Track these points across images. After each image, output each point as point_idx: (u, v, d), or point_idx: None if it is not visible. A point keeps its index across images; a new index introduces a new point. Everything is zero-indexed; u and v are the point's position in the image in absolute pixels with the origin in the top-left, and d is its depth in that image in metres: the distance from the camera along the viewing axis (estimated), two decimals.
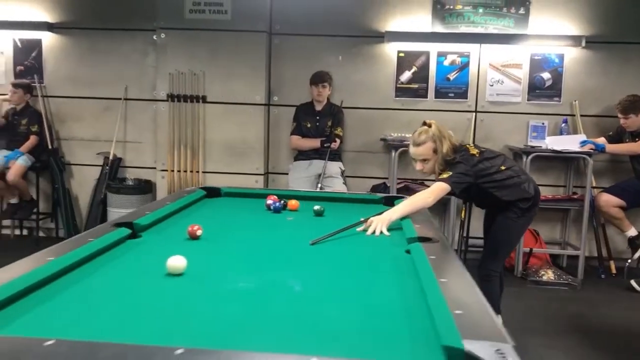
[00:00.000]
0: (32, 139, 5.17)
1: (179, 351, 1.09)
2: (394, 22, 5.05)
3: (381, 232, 2.41)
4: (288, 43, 5.17)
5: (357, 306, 1.51)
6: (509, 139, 5.09)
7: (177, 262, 1.71)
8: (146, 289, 1.62)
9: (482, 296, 1.50)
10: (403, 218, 2.59)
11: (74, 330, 1.25)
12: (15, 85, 5.18)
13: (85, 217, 5.40)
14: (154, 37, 5.10)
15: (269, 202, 2.87)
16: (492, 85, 5.07)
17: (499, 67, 5.05)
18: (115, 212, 4.88)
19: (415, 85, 5.12)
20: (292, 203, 2.91)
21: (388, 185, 4.96)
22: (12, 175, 4.97)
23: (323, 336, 1.29)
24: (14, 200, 5.24)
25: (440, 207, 5.16)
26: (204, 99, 5.06)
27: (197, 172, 5.12)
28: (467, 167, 2.91)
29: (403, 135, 4.93)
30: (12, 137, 5.20)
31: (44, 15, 5.32)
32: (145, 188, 5.19)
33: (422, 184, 5.15)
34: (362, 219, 2.49)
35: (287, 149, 5.15)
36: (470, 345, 1.15)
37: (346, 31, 5.09)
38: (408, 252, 2.04)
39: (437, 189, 2.84)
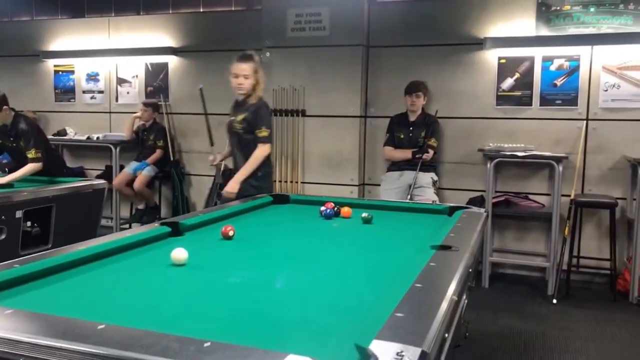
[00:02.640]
0: (158, 152, 5.80)
1: (101, 326, 1.21)
2: (494, 28, 4.83)
3: None
4: (385, 54, 5.20)
5: (318, 304, 1.54)
6: (628, 149, 4.56)
7: (177, 254, 1.87)
8: (142, 276, 1.80)
9: (444, 305, 1.42)
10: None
11: (55, 306, 1.44)
12: (145, 105, 5.87)
13: None
14: (260, 56, 5.43)
15: (322, 208, 2.93)
16: (606, 90, 4.59)
17: (614, 70, 4.57)
18: None
19: (518, 93, 4.83)
20: (345, 210, 2.94)
21: (485, 198, 4.72)
22: (137, 183, 5.62)
23: (259, 326, 1.34)
24: (141, 206, 5.90)
25: (546, 224, 4.78)
26: (303, 113, 5.28)
27: (297, 182, 5.34)
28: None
29: (500, 145, 4.68)
30: (141, 150, 5.88)
31: (170, 41, 5.97)
32: None
33: (526, 197, 4.83)
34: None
35: (383, 160, 5.16)
36: (375, 345, 1.13)
37: (444, 39, 4.98)
38: None
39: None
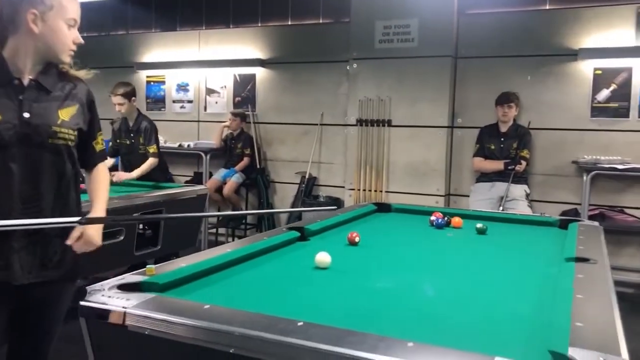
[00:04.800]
0: (245, 160, 6.00)
1: (300, 323, 1.31)
2: (589, 38, 4.75)
3: None
4: (473, 65, 5.20)
5: (482, 311, 1.58)
6: None
7: (322, 257, 1.97)
8: (297, 277, 1.90)
9: (616, 314, 1.45)
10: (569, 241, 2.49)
11: (233, 301, 1.56)
12: (234, 114, 6.08)
13: None
14: (347, 67, 5.55)
15: (432, 218, 2.97)
16: None
17: None
18: None
19: (615, 105, 4.72)
20: (456, 220, 2.97)
21: (579, 211, 4.63)
22: (227, 190, 5.83)
23: (438, 329, 1.40)
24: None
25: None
26: (389, 123, 5.34)
27: (381, 191, 5.39)
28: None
29: (597, 157, 4.58)
30: (229, 158, 6.09)
31: (258, 53, 6.17)
32: (334, 204, 5.62)
33: (622, 211, 4.70)
34: None
35: (469, 171, 5.14)
36: (575, 353, 1.17)
37: (535, 50, 4.94)
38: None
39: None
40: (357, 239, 2.43)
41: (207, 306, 1.43)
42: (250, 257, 2.12)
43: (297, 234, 2.50)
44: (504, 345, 1.30)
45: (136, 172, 4.32)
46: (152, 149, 4.41)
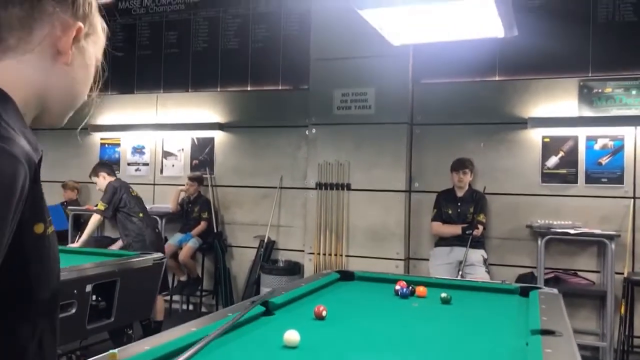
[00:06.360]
0: (202, 225, 5.89)
1: None
2: (537, 108, 5.01)
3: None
4: (429, 132, 5.37)
5: None
6: None
7: (291, 336, 1.91)
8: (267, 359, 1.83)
9: None
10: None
11: None
12: (191, 179, 6.01)
13: (241, 295, 5.89)
14: (306, 132, 5.63)
15: (397, 287, 2.96)
16: None
17: None
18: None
19: (564, 171, 4.94)
20: (420, 290, 2.96)
21: (536, 275, 4.72)
22: (183, 255, 5.68)
23: None
24: (183, 278, 5.93)
25: (596, 302, 4.75)
26: (348, 187, 5.39)
27: (341, 255, 5.37)
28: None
29: (550, 222, 4.73)
30: (185, 222, 5.97)
31: (217, 117, 6.20)
32: (294, 269, 5.56)
33: (575, 274, 4.83)
34: None
35: (428, 235, 5.21)
36: None
37: (487, 119, 5.16)
38: (527, 344, 2.00)
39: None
40: (324, 313, 2.38)
41: None
42: (215, 336, 2.04)
43: (262, 308, 2.43)
44: None
45: (80, 241, 4.69)
46: (99, 204, 4.71)
